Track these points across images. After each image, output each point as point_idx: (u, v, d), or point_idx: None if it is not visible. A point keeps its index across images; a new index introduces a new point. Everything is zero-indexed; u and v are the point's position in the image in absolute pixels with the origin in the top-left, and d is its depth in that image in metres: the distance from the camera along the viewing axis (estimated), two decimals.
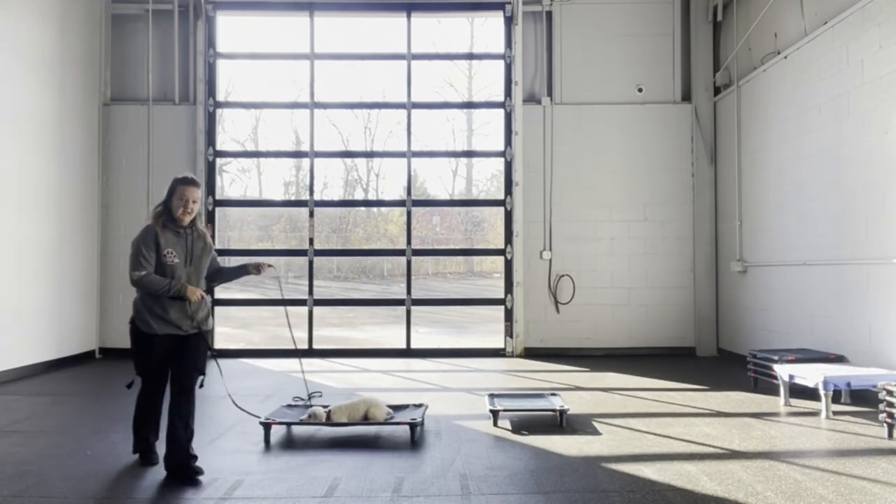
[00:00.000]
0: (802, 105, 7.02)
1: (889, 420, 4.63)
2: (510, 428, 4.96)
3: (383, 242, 24.22)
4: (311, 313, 9.25)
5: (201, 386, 4.02)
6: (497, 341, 9.36)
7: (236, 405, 4.89)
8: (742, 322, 8.36)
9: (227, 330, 12.20)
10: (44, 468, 3.99)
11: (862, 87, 6.07)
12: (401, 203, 9.72)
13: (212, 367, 4.32)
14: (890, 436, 4.61)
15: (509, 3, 9.21)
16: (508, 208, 9.20)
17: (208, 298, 4.13)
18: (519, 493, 3.56)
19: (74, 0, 8.49)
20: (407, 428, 4.65)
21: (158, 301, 3.88)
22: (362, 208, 28.09)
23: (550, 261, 9.10)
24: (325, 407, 4.77)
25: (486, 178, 25.41)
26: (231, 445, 4.51)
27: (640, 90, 9.22)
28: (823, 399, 5.26)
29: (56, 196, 8.08)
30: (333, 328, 13.09)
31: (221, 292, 10.04)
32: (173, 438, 3.80)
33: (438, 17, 10.63)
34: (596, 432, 4.82)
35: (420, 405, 5.19)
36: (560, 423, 4.99)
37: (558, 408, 5.07)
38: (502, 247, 9.36)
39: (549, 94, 9.23)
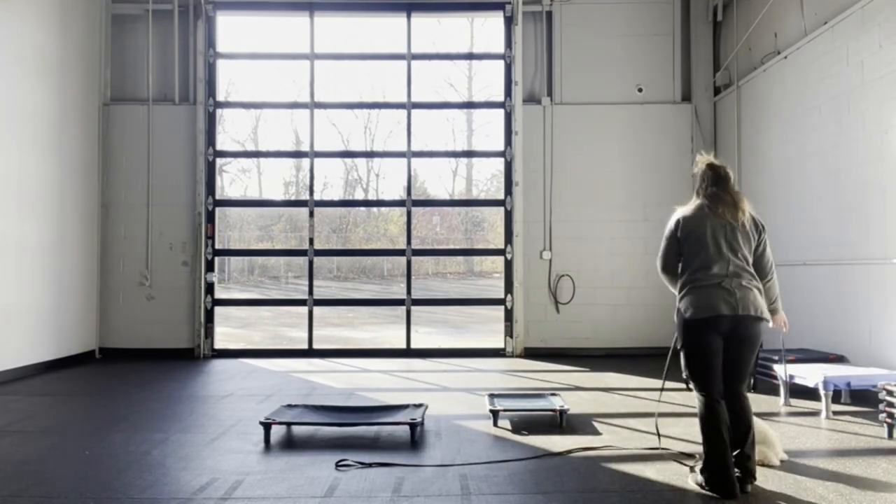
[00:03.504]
0: (802, 105, 7.02)
1: (889, 420, 4.63)
2: (510, 428, 4.96)
3: (383, 242, 24.37)
4: (311, 313, 9.25)
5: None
6: (497, 341, 9.36)
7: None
8: None
9: (227, 330, 12.20)
10: (44, 468, 3.99)
11: (862, 87, 6.07)
12: (401, 203, 9.71)
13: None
14: (890, 436, 4.61)
15: (509, 3, 9.21)
16: (508, 208, 9.20)
17: None
18: (519, 493, 3.56)
19: (74, 0, 8.49)
20: (407, 428, 4.65)
21: None
22: (362, 208, 28.24)
23: (550, 261, 9.11)
24: None
25: (486, 178, 25.56)
26: (231, 445, 4.51)
27: (640, 90, 9.22)
28: (823, 399, 5.26)
29: (56, 196, 8.08)
30: (333, 328, 13.09)
31: (221, 292, 10.05)
32: None
33: (438, 17, 10.64)
34: (596, 432, 4.82)
35: (420, 405, 5.19)
36: (560, 423, 4.99)
37: (558, 408, 5.07)
38: (502, 247, 9.35)
39: (549, 94, 9.24)
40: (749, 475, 3.53)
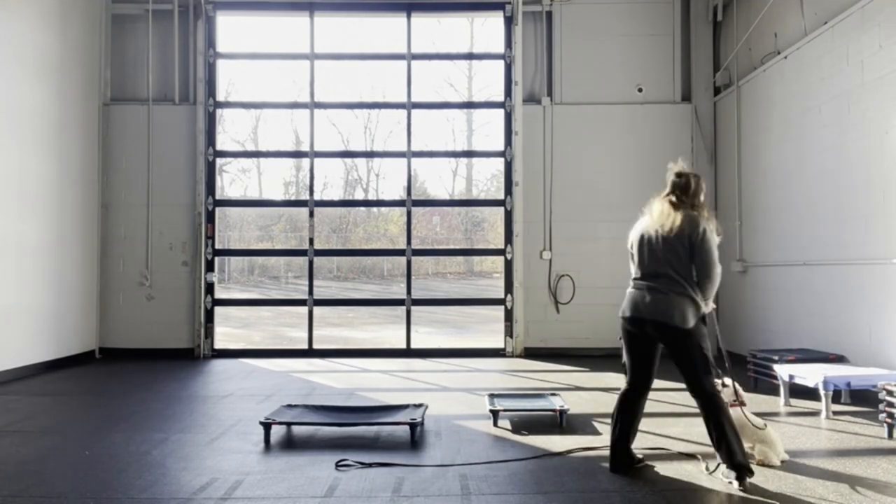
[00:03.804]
0: (802, 105, 7.02)
1: (889, 420, 4.63)
2: (510, 428, 4.96)
3: (383, 242, 24.38)
4: (311, 313, 9.25)
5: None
6: (497, 341, 9.36)
7: None
8: (742, 322, 8.36)
9: (227, 330, 12.20)
10: (44, 468, 3.99)
11: (862, 87, 6.07)
12: (401, 203, 9.71)
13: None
14: (890, 436, 4.62)
15: (509, 3, 9.21)
16: (508, 208, 9.20)
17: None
18: (519, 493, 3.56)
19: (74, 0, 8.49)
20: (407, 428, 4.65)
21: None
22: (362, 208, 28.26)
23: (550, 261, 9.11)
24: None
25: (486, 178, 25.57)
26: (231, 445, 4.51)
27: (640, 90, 9.22)
28: (823, 399, 5.27)
29: (56, 196, 8.08)
30: (333, 328, 13.10)
31: (221, 292, 10.05)
32: None
33: (438, 17, 10.63)
34: (596, 432, 4.82)
35: (420, 405, 5.19)
36: (560, 423, 4.99)
37: (558, 408, 5.08)
38: (502, 247, 9.35)
39: (549, 94, 9.24)
40: (742, 470, 3.56)
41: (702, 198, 3.82)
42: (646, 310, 3.71)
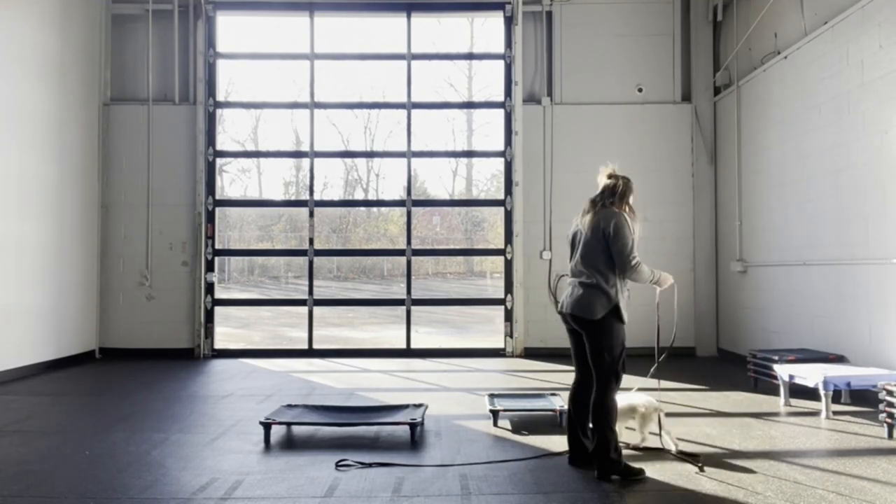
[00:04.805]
0: (802, 105, 7.02)
1: (889, 420, 4.63)
2: (510, 428, 4.96)
3: (383, 242, 24.36)
4: (311, 313, 9.25)
5: None
6: (497, 341, 9.36)
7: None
8: (742, 322, 8.36)
9: (227, 330, 12.20)
10: (44, 468, 3.99)
11: (862, 87, 6.07)
12: (401, 203, 9.71)
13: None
14: (890, 436, 4.62)
15: (509, 3, 9.21)
16: (508, 208, 9.20)
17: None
18: (519, 493, 3.56)
19: (74, 0, 8.49)
20: (407, 428, 4.65)
21: (622, 291, 3.83)
22: (362, 208, 28.24)
23: (550, 261, 9.11)
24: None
25: (486, 178, 25.53)
26: (231, 445, 4.51)
27: (640, 90, 9.22)
28: (823, 399, 5.27)
29: (56, 196, 8.08)
30: (333, 328, 13.09)
31: (221, 292, 10.04)
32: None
33: (438, 17, 10.63)
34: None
35: (420, 405, 5.19)
36: (560, 423, 4.99)
37: (558, 408, 5.09)
38: (502, 247, 9.35)
39: (549, 94, 9.23)
40: (609, 465, 3.72)
41: (630, 199, 4.03)
42: (567, 304, 3.97)
